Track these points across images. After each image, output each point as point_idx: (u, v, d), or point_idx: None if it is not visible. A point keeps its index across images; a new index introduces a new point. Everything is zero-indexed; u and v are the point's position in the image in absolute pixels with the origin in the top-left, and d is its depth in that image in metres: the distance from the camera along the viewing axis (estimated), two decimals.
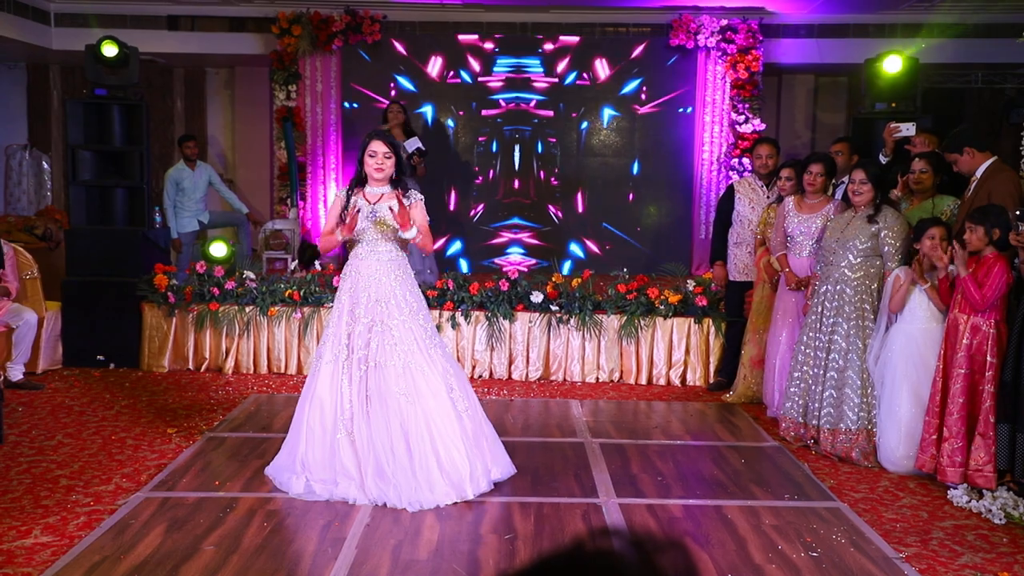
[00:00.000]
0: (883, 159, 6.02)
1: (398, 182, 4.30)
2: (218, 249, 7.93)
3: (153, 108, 9.55)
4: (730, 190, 6.45)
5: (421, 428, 4.05)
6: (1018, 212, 4.19)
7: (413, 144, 7.54)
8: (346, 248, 4.54)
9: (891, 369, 4.72)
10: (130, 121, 7.24)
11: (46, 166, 10.61)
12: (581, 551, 0.90)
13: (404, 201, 4.16)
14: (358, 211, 4.19)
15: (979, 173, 4.99)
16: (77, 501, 4.07)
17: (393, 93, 9.52)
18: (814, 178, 5.45)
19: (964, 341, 4.36)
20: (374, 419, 4.08)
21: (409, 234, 4.14)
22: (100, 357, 6.91)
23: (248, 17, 9.60)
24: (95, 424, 5.37)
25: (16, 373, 6.18)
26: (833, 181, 5.68)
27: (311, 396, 4.20)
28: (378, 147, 4.24)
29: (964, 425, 4.34)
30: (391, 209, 4.17)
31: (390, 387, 4.08)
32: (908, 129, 5.91)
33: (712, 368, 6.73)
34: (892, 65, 6.83)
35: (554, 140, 9.75)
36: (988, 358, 4.30)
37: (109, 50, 6.99)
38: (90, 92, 7.19)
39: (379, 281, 4.22)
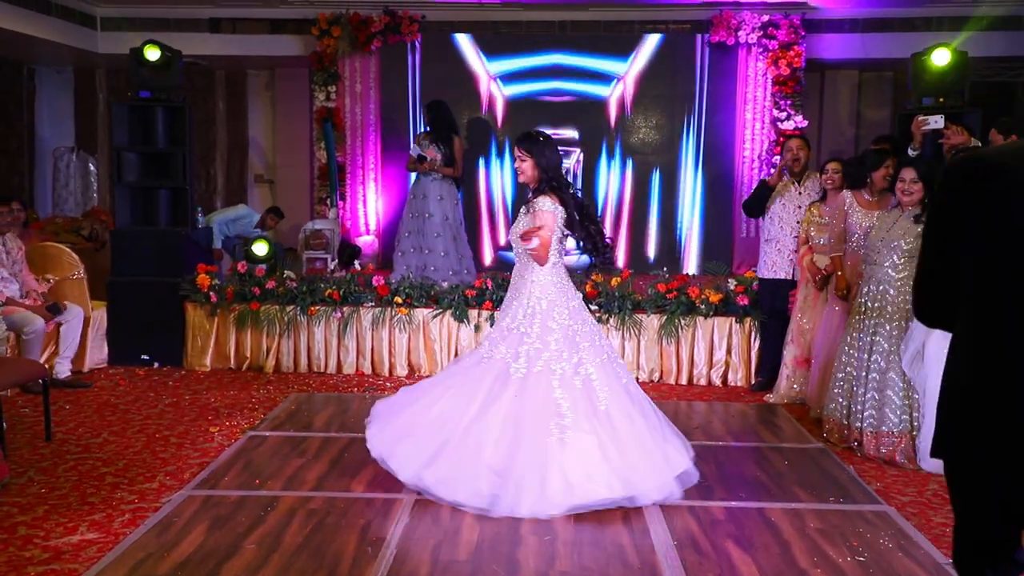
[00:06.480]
0: (912, 153, 5.88)
1: (538, 190, 4.27)
2: (260, 249, 8.02)
3: (195, 110, 9.68)
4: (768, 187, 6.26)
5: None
6: None
7: (416, 150, 7.53)
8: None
9: (934, 371, 4.60)
10: (173, 123, 7.34)
11: (92, 168, 10.80)
12: None
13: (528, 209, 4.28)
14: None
15: None
16: (122, 498, 4.13)
17: (430, 93, 9.52)
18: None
19: None
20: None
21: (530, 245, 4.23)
22: (144, 356, 7.02)
23: (288, 19, 9.69)
24: (139, 422, 5.45)
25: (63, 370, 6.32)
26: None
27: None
28: (516, 151, 4.32)
29: None
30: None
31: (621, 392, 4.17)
32: (936, 122, 5.76)
33: (754, 368, 6.65)
34: (940, 59, 6.66)
35: (593, 138, 9.68)
36: None
37: (152, 53, 7.09)
38: (134, 95, 7.31)
39: (575, 291, 4.47)
